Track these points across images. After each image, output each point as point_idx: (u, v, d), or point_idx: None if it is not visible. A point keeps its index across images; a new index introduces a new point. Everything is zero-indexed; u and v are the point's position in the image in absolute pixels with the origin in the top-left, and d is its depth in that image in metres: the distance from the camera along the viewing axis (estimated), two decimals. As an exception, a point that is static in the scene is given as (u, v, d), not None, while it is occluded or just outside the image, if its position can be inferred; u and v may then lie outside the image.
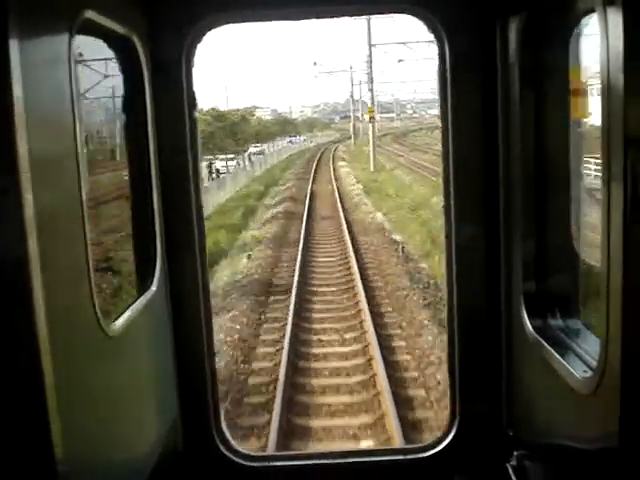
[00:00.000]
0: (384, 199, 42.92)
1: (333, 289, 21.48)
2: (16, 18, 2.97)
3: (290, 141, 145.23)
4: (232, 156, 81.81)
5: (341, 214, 37.06)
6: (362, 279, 21.47)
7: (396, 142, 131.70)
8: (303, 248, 27.71)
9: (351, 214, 37.99)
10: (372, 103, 78.20)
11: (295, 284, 21.17)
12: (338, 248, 28.28)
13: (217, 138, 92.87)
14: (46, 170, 3.26)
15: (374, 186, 51.21)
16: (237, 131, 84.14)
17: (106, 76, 5.19)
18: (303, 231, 31.85)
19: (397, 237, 29.56)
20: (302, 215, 37.50)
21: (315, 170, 71.15)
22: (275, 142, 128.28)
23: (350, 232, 31.01)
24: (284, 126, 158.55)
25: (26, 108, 2.99)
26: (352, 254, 25.65)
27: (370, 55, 77.19)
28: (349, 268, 23.88)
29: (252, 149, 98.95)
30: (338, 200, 43.55)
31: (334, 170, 71.37)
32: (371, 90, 77.48)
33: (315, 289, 21.64)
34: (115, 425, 4.09)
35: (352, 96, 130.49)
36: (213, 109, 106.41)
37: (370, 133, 71.95)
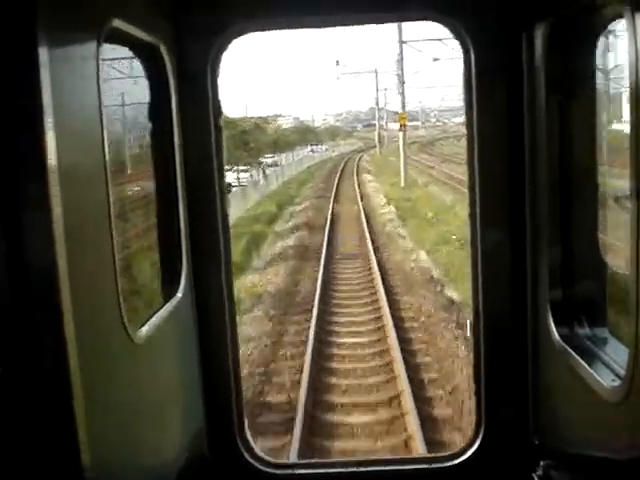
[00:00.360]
0: (423, 227, 34.00)
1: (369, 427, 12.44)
2: (45, 27, 3.01)
3: (312, 150, 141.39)
4: (245, 168, 73.79)
5: (371, 253, 27.71)
6: (416, 399, 12.85)
7: (423, 151, 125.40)
8: (318, 318, 18.16)
9: (384, 252, 28.94)
10: (403, 108, 66.30)
11: (300, 415, 12.21)
12: (368, 317, 18.85)
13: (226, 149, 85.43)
14: (74, 179, 3.29)
15: (408, 207, 42.52)
16: (249, 140, 71.86)
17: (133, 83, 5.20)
18: (319, 284, 22.24)
19: (453, 295, 20.24)
20: (319, 252, 28.66)
21: (337, 185, 63.23)
22: (295, 152, 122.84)
23: (386, 286, 21.69)
24: (305, 134, 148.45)
25: (55, 117, 3.03)
26: (392, 336, 16.33)
27: (401, 53, 65.51)
28: (389, 370, 14.68)
29: (266, 160, 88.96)
30: (366, 229, 34.83)
31: (359, 185, 62.76)
32: (402, 93, 65.76)
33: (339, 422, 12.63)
34: (141, 432, 4.11)
35: (377, 102, 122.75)
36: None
37: (400, 143, 62.31)
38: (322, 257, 27.20)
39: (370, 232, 33.89)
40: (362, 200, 49.12)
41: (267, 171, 74.43)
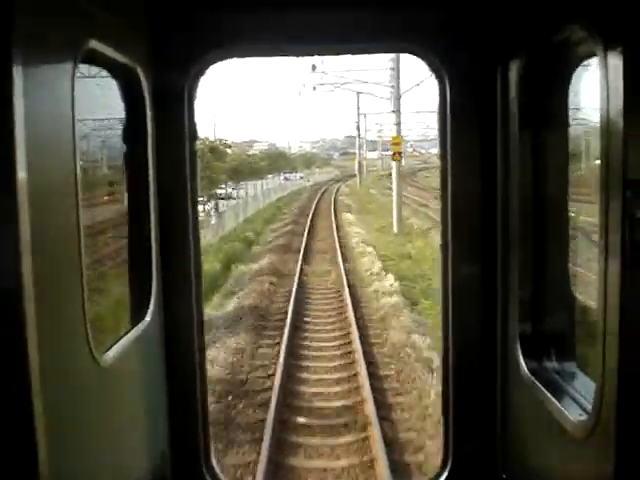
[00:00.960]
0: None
1: None
2: (20, 46, 2.99)
3: (286, 178, 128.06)
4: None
5: (370, 407, 12.81)
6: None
7: (407, 183, 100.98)
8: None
9: (399, 398, 13.97)
10: (398, 132, 48.56)
11: None
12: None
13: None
14: (44, 197, 3.25)
15: (411, 273, 27.16)
16: (204, 167, 46.93)
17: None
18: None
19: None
20: (268, 395, 13.80)
21: (309, 229, 45.35)
22: (267, 179, 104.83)
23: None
24: (276, 161, 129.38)
25: (27, 135, 3.00)
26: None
27: (397, 65, 50.30)
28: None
29: (227, 190, 75.81)
30: (355, 328, 18.26)
31: (338, 229, 44.64)
32: (397, 111, 49.46)
33: None
34: (103, 456, 4.03)
35: (358, 126, 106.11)
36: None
37: (394, 175, 47.10)
38: (269, 419, 12.14)
39: (363, 338, 17.58)
40: (345, 260, 31.16)
41: (220, 206, 57.24)
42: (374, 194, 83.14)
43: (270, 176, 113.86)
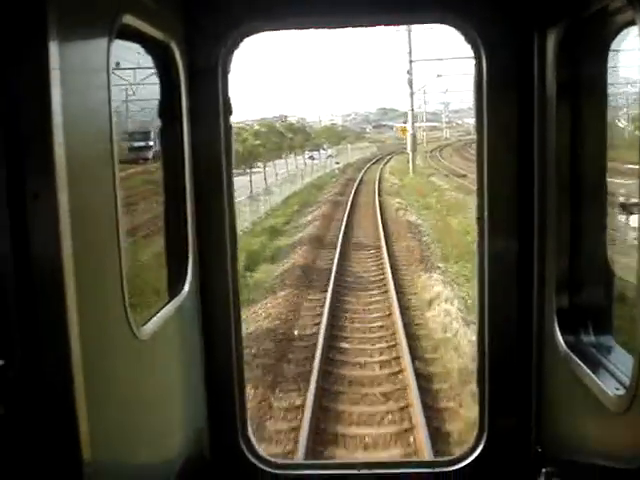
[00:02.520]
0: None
1: None
2: (55, 21, 3.02)
3: (311, 157, 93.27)
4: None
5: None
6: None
7: (461, 157, 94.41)
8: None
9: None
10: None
11: None
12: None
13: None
14: (82, 174, 3.29)
15: None
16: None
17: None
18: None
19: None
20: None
21: (338, 288, 22.55)
22: (281, 162, 73.74)
23: None
24: (297, 135, 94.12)
25: (64, 111, 3.03)
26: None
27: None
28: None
29: None
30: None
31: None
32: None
33: None
34: (142, 428, 4.11)
35: (410, 79, 75.89)
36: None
37: None
38: None
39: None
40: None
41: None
42: (445, 189, 51.74)
43: (292, 156, 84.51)
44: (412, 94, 76.15)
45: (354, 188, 57.81)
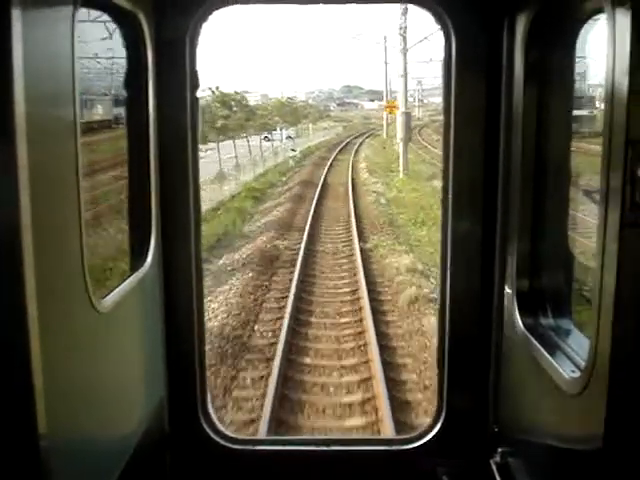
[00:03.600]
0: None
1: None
2: None
3: (266, 137, 76.38)
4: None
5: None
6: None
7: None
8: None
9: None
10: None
11: None
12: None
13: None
14: (43, 141, 3.23)
15: None
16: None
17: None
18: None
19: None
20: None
21: None
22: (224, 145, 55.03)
23: None
24: (236, 113, 77.73)
25: (25, 78, 2.97)
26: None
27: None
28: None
29: None
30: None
31: None
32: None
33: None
34: (100, 401, 4.08)
35: (404, 47, 55.48)
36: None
37: None
38: None
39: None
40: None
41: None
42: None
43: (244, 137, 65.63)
44: (406, 64, 54.86)
45: (311, 211, 32.74)
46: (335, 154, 72.55)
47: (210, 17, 5.30)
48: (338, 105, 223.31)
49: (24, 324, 3.03)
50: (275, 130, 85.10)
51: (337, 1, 5.98)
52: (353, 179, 47.94)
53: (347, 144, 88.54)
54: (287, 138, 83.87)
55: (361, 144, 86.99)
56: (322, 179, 47.57)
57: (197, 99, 5.36)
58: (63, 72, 3.55)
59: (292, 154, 68.75)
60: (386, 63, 76.35)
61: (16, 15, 2.93)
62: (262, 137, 73.58)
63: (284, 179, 51.67)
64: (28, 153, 2.98)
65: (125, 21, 4.81)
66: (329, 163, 61.36)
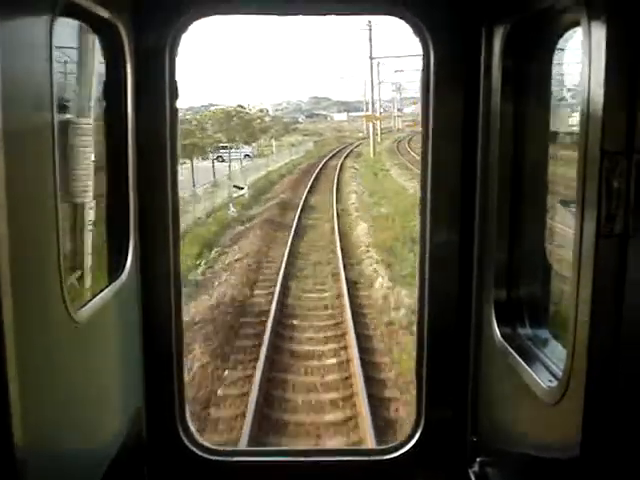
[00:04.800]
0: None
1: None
2: None
3: (219, 157, 65.17)
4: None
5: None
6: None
7: None
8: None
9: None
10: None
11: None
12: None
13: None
14: (19, 149, 3.21)
15: None
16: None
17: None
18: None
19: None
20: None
21: None
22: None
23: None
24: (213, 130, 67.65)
25: (3, 93, 2.95)
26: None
27: None
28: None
29: None
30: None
31: None
32: None
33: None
34: (78, 412, 4.05)
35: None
36: None
37: None
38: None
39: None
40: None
41: None
42: None
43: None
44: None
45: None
46: (305, 193, 45.54)
47: (189, 28, 5.30)
48: (307, 117, 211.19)
49: (0, 334, 3.00)
50: (231, 148, 69.21)
51: (316, 13, 5.98)
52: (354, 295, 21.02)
53: (322, 169, 63.69)
54: (245, 157, 71.94)
55: (342, 169, 62.97)
56: (280, 276, 22.86)
57: (177, 110, 5.36)
58: (40, 79, 3.53)
59: (238, 193, 44.20)
60: (372, 71, 71.08)
61: None
62: (214, 157, 61.62)
63: (201, 265, 26.16)
64: (5, 159, 2.96)
65: (104, 30, 4.80)
66: (295, 220, 34.73)
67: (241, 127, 74.94)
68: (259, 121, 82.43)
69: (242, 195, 44.32)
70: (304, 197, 43.78)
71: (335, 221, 34.17)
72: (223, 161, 62.36)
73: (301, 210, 38.24)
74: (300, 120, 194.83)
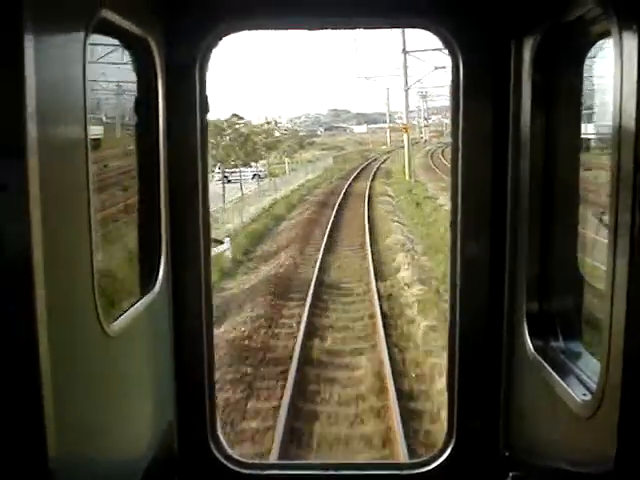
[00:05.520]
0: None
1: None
2: (31, 14, 2.99)
3: (225, 177, 52.49)
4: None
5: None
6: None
7: None
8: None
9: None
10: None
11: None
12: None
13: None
14: (53, 166, 3.26)
15: None
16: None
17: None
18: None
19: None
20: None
21: None
22: None
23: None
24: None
25: (37, 103, 3.00)
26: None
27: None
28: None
29: None
30: None
31: None
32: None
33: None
34: (110, 425, 4.08)
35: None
36: None
37: None
38: None
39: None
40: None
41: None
42: None
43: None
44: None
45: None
46: (322, 251, 29.61)
47: (220, 42, 5.36)
48: (326, 130, 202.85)
49: (34, 347, 3.04)
50: (241, 169, 61.64)
51: (348, 27, 6.03)
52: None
53: (345, 197, 50.98)
54: (254, 177, 63.30)
55: (371, 197, 50.27)
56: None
57: (207, 124, 5.41)
58: (74, 94, 3.58)
59: (216, 249, 27.41)
60: (406, 80, 64.22)
61: (29, 41, 2.97)
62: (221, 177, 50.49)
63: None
64: (40, 172, 3.01)
65: (135, 47, 4.86)
66: (297, 349, 16.58)
67: (238, 144, 63.30)
68: (264, 136, 71.03)
69: (224, 250, 28.96)
70: (319, 262, 26.98)
71: (383, 347, 16.36)
72: (229, 182, 52.94)
73: (313, 296, 21.13)
74: (319, 133, 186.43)
